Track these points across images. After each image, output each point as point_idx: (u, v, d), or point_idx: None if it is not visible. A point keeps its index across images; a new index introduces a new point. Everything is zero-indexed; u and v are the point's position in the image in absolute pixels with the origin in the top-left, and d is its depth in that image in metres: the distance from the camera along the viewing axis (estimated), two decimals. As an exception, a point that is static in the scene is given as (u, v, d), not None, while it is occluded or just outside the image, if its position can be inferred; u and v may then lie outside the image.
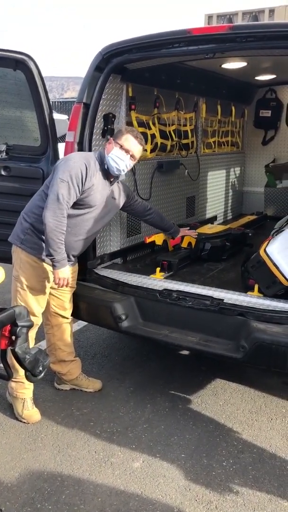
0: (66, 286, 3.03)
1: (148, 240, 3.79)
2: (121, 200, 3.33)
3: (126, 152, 3.01)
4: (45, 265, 3.04)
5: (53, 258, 2.87)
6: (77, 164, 2.90)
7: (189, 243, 3.98)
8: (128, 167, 3.09)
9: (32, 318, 2.99)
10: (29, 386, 3.17)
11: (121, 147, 3.00)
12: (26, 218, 3.05)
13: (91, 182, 2.94)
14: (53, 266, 2.91)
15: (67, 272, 2.97)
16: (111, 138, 3.07)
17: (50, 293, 3.20)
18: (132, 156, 3.04)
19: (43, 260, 3.02)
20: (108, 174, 3.08)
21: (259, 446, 2.95)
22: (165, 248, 3.97)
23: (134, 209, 3.52)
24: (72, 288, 3.30)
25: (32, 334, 3.14)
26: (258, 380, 3.69)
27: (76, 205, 2.97)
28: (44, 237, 2.91)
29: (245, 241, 4.42)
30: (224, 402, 3.41)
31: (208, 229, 4.42)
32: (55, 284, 2.99)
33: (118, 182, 3.25)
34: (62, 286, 3.00)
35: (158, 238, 3.86)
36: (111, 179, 3.13)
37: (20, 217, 3.10)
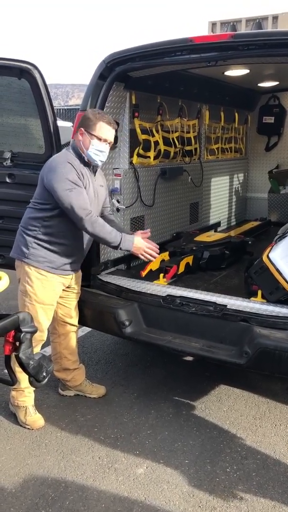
0: (153, 250, 3.00)
1: (144, 274, 3.52)
2: (105, 187, 3.24)
3: (104, 142, 2.92)
4: (52, 276, 3.01)
5: (119, 244, 2.89)
6: (66, 169, 2.84)
7: (187, 264, 3.85)
8: (107, 154, 3.01)
9: (39, 333, 2.92)
10: (29, 394, 3.17)
11: (98, 138, 2.90)
12: (27, 232, 2.99)
13: (81, 177, 2.89)
14: (127, 250, 2.94)
15: (140, 241, 2.96)
16: (82, 129, 2.91)
17: (57, 302, 3.20)
18: (109, 143, 2.96)
19: (51, 272, 3.00)
20: (88, 165, 2.99)
21: (263, 452, 2.95)
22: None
23: (104, 206, 3.27)
24: (78, 294, 3.32)
25: (37, 349, 3.11)
26: (262, 386, 3.69)
27: None
28: (52, 248, 2.95)
29: (244, 249, 4.37)
30: (228, 408, 3.41)
31: (206, 237, 4.36)
32: (146, 256, 2.98)
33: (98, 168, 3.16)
34: (146, 254, 2.98)
35: (154, 265, 3.61)
36: (93, 169, 3.04)
37: (19, 231, 3.06)
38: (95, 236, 2.95)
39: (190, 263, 3.89)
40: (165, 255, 3.85)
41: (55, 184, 2.82)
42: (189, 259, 3.89)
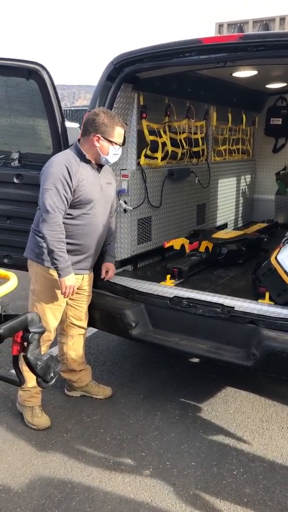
0: (72, 294, 2.99)
1: (167, 245, 3.99)
2: (115, 184, 3.26)
3: (120, 145, 2.99)
4: None
5: (57, 267, 2.86)
6: (56, 168, 2.85)
7: (206, 247, 4.15)
8: None
9: (47, 333, 2.94)
10: (37, 395, 3.17)
11: (117, 144, 2.95)
12: (36, 233, 3.03)
13: (77, 178, 2.87)
14: (58, 275, 2.89)
15: (73, 280, 2.94)
16: (98, 135, 2.90)
17: (67, 304, 3.20)
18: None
19: None
20: (92, 163, 2.99)
21: (270, 455, 2.93)
22: (182, 253, 4.17)
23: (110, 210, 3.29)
24: (89, 297, 3.31)
25: (44, 349, 3.11)
26: (269, 388, 3.67)
27: (77, 205, 2.93)
28: None
29: (260, 246, 4.54)
30: (235, 410, 3.39)
31: (224, 234, 4.53)
32: (61, 293, 2.96)
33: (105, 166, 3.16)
34: (68, 296, 2.97)
35: (176, 243, 4.05)
36: (98, 167, 3.04)
37: (31, 231, 3.10)
38: (46, 241, 2.83)
39: (210, 249, 4.14)
40: (184, 240, 4.23)
41: (41, 182, 2.89)
42: (210, 244, 4.14)
